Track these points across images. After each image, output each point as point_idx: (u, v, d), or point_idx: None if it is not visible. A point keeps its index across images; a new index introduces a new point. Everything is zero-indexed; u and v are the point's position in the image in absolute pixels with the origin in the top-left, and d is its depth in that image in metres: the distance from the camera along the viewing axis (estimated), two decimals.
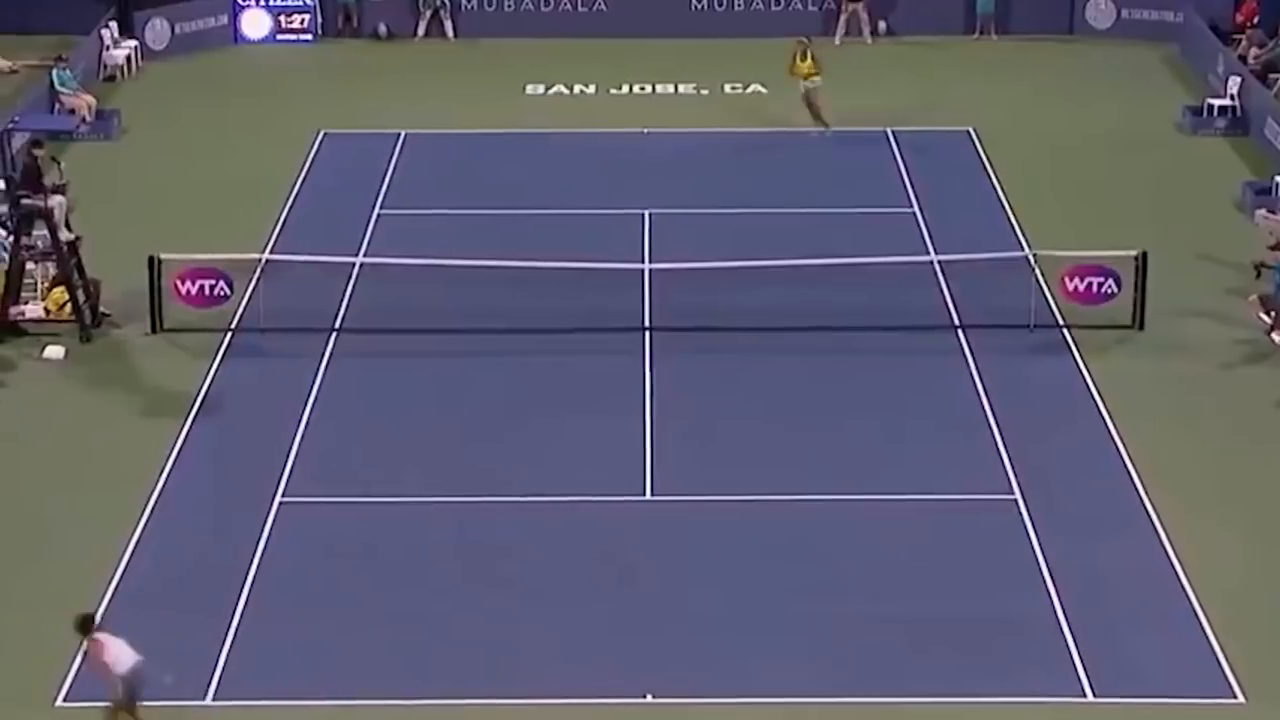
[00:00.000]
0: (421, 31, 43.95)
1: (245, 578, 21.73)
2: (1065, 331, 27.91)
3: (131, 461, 24.34)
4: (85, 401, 26.31)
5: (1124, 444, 24.72)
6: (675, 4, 43.80)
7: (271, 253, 29.89)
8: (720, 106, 39.08)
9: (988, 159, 35.42)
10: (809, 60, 36.19)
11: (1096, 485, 23.86)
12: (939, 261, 29.71)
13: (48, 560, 22.21)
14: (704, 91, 39.98)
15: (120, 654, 18.67)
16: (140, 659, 18.65)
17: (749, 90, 40.05)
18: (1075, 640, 20.49)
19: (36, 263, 28.38)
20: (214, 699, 19.64)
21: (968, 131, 36.85)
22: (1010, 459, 24.33)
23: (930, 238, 31.40)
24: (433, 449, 24.84)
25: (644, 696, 19.56)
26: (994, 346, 27.41)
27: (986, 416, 25.47)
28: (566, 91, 40.18)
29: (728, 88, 40.13)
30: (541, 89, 40.15)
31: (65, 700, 19.59)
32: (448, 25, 43.92)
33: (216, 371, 26.91)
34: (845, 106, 37.99)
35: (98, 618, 19.28)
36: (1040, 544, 22.38)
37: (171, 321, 28.01)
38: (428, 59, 42.58)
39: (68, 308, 28.05)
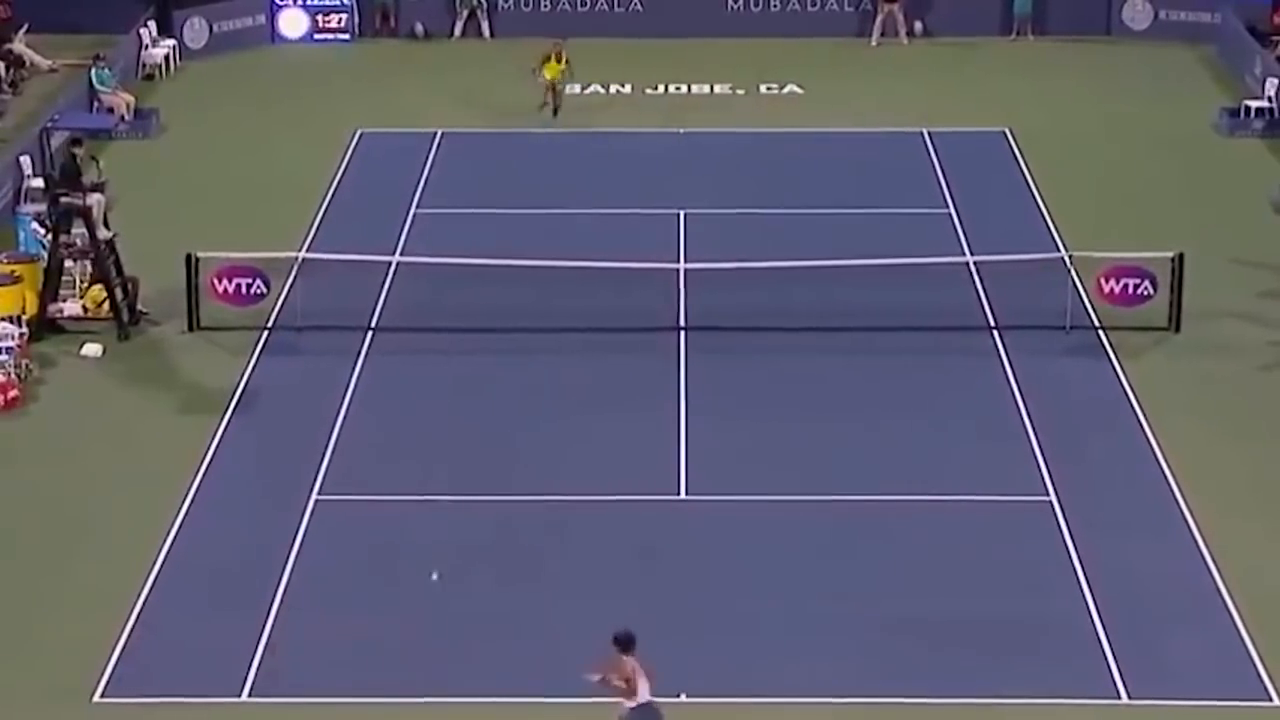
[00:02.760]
0: (458, 31, 44.04)
1: (281, 575, 21.79)
2: (1101, 333, 27.86)
3: (168, 459, 24.42)
4: (123, 399, 26.41)
5: (1160, 446, 24.66)
6: (711, 4, 43.81)
7: (308, 251, 29.99)
8: (756, 106, 39.08)
9: (1024, 160, 35.38)
10: (561, 62, 37.80)
11: (1132, 487, 23.82)
12: (974, 262, 29.69)
13: (86, 556, 22.31)
14: (740, 91, 39.98)
15: (643, 687, 18.13)
16: (652, 700, 18.05)
17: (785, 90, 40.05)
18: (1110, 642, 20.44)
19: (75, 260, 28.52)
20: (250, 695, 19.68)
21: (1004, 132, 36.81)
22: (1046, 460, 24.29)
23: (966, 238, 31.37)
24: (467, 447, 24.89)
25: (678, 696, 19.54)
26: (1029, 348, 27.38)
27: (1022, 418, 25.44)
28: (602, 91, 40.22)
29: (763, 88, 40.13)
30: (577, 88, 40.15)
31: (103, 696, 19.64)
32: (484, 25, 44.00)
33: (253, 369, 26.99)
34: (882, 107, 38.05)
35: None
36: (1075, 545, 22.35)
37: (208, 319, 28.10)
38: (465, 58, 42.65)
39: (106, 305, 28.16)
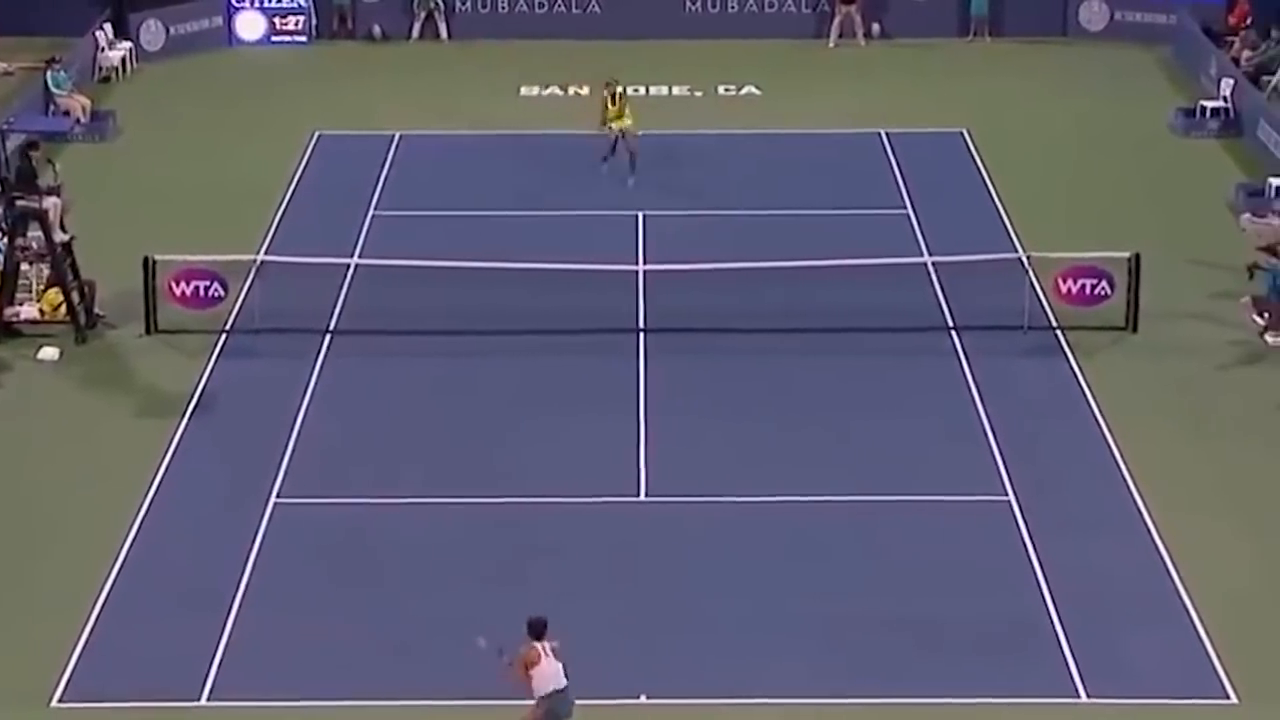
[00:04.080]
0: (416, 33, 44.00)
1: (240, 578, 21.74)
2: (1059, 333, 27.96)
3: (126, 462, 24.36)
4: (80, 402, 26.33)
5: (1117, 445, 24.76)
6: (669, 6, 43.86)
7: (266, 254, 29.92)
8: (714, 108, 39.11)
9: (981, 160, 35.49)
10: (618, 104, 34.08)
11: (1090, 486, 23.91)
12: (933, 263, 29.76)
13: (44, 560, 22.22)
14: (698, 93, 40.03)
15: (551, 673, 18.19)
16: (566, 685, 18.14)
17: (743, 92, 40.11)
18: (1069, 641, 20.51)
19: (31, 264, 28.42)
20: (209, 699, 19.63)
21: (961, 133, 36.92)
22: (1004, 460, 24.37)
23: (924, 239, 31.46)
24: (426, 450, 24.87)
25: (638, 697, 19.58)
26: (988, 348, 27.46)
27: (980, 418, 25.52)
28: (561, 93, 40.23)
29: (721, 89, 40.18)
30: (536, 90, 40.20)
31: (61, 701, 19.58)
32: (442, 27, 43.97)
33: (211, 372, 26.93)
34: (839, 108, 38.15)
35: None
36: (1034, 545, 22.42)
37: (166, 323, 28.03)
38: (422, 61, 42.62)
39: (62, 309, 28.08)
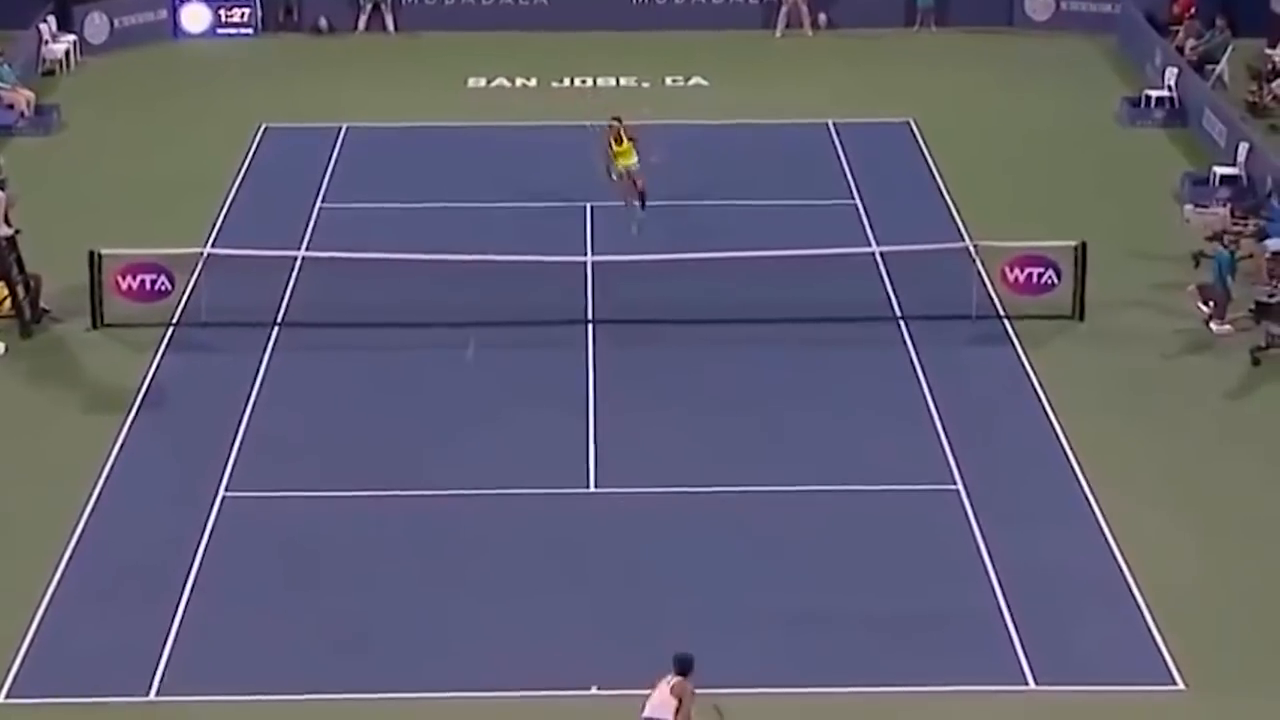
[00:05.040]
0: (362, 25, 43.89)
1: (189, 573, 21.70)
2: (1006, 322, 28.07)
3: (73, 457, 24.27)
4: (25, 397, 26.22)
5: (1065, 433, 24.89)
6: None
7: (213, 247, 29.85)
8: (661, 99, 39.12)
9: (928, 150, 35.60)
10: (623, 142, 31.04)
11: (1038, 475, 24.03)
12: (881, 253, 29.84)
13: None
14: (645, 84, 40.05)
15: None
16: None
17: (690, 83, 40.15)
18: (1017, 629, 20.62)
19: None
20: (158, 695, 19.60)
21: (908, 123, 37.02)
22: (953, 449, 24.46)
23: (872, 229, 31.53)
24: (375, 443, 24.83)
25: (589, 688, 19.60)
26: (936, 337, 27.56)
27: (929, 407, 25.61)
28: (508, 84, 40.20)
29: (669, 80, 40.20)
30: (483, 82, 40.15)
31: (9, 696, 19.53)
32: (388, 19, 43.87)
33: (158, 366, 26.85)
34: (786, 98, 38.20)
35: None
36: (982, 534, 22.52)
37: (112, 316, 27.93)
38: (368, 53, 42.54)
39: (7, 303, 27.97)
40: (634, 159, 31.03)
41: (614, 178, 31.19)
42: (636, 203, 31.12)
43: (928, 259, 29.12)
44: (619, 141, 30.97)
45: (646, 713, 17.89)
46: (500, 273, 28.59)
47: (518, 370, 26.78)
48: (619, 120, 31.29)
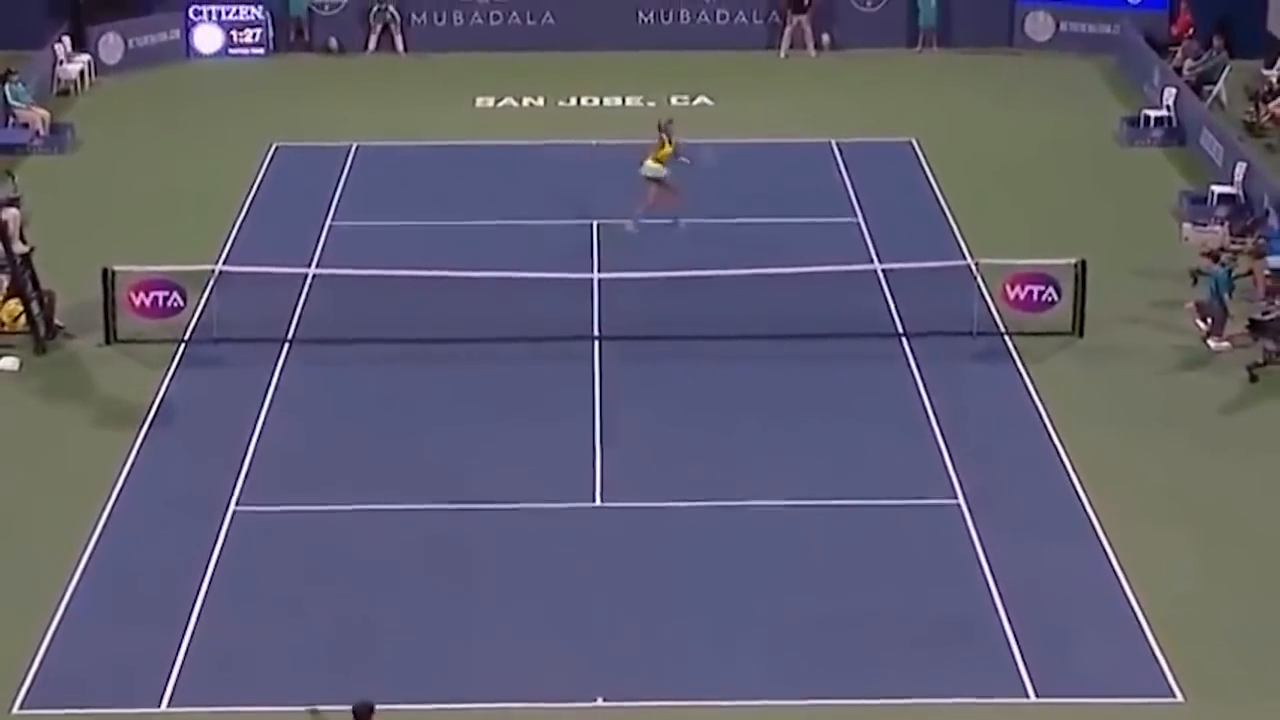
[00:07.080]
0: (372, 46, 44.14)
1: (200, 586, 21.91)
2: (1007, 338, 28.31)
3: (86, 472, 24.51)
4: (40, 413, 26.46)
5: (1065, 449, 25.10)
6: (622, 17, 44.07)
7: (224, 264, 30.11)
8: (667, 118, 39.28)
9: (930, 169, 35.82)
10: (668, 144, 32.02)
11: (1038, 489, 24.23)
12: (883, 270, 30.08)
13: (4, 569, 22.35)
14: (651, 104, 40.25)
15: None
16: None
17: (695, 102, 40.39)
18: (1018, 642, 20.81)
19: None
20: (169, 706, 19.81)
21: (910, 142, 37.25)
22: (954, 464, 24.68)
23: (874, 246, 31.77)
24: (385, 458, 25.07)
25: (595, 700, 19.82)
26: (937, 353, 27.79)
27: (930, 422, 25.83)
28: (516, 104, 40.45)
29: (674, 100, 40.44)
30: (491, 102, 40.42)
31: (22, 708, 19.74)
32: (398, 40, 44.14)
33: (170, 382, 27.10)
34: (790, 118, 38.46)
35: None
36: (983, 547, 22.73)
37: (125, 333, 28.18)
38: (378, 73, 42.79)
39: (22, 320, 28.17)
40: (663, 169, 31.93)
41: (651, 189, 32.10)
42: (640, 210, 31.92)
43: (929, 276, 29.36)
44: (662, 146, 31.98)
45: None
46: (508, 289, 28.82)
47: (526, 385, 27.02)
48: (670, 122, 32.42)
